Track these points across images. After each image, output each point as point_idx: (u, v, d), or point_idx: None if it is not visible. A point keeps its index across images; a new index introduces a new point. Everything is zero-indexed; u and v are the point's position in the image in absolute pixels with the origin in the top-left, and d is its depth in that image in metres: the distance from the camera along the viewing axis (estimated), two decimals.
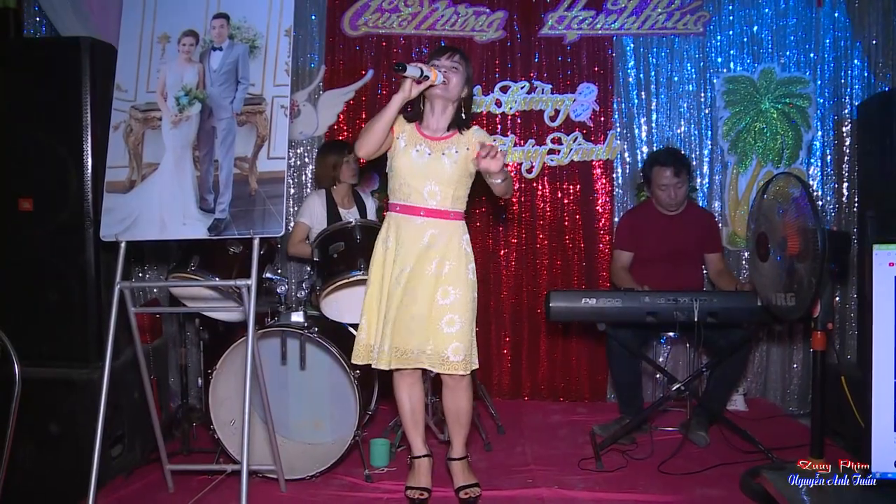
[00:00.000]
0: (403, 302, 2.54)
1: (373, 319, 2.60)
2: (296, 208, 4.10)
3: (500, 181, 2.51)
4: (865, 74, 4.00)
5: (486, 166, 2.41)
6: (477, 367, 2.61)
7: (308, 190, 4.16)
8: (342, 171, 3.65)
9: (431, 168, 2.56)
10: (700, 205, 4.02)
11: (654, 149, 4.00)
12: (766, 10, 4.06)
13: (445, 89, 2.53)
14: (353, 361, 2.65)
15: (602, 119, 4.15)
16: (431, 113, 2.63)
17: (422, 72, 2.42)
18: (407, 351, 2.55)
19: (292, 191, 4.17)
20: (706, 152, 4.14)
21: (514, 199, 4.14)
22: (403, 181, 2.59)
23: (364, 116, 4.18)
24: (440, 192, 2.57)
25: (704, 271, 3.77)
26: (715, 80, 4.10)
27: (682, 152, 3.77)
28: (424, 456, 2.74)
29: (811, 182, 4.06)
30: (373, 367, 2.61)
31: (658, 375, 3.71)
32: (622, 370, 3.41)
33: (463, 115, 2.64)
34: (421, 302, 2.54)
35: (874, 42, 3.97)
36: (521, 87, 4.17)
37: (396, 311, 2.54)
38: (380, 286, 2.60)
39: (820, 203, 4.06)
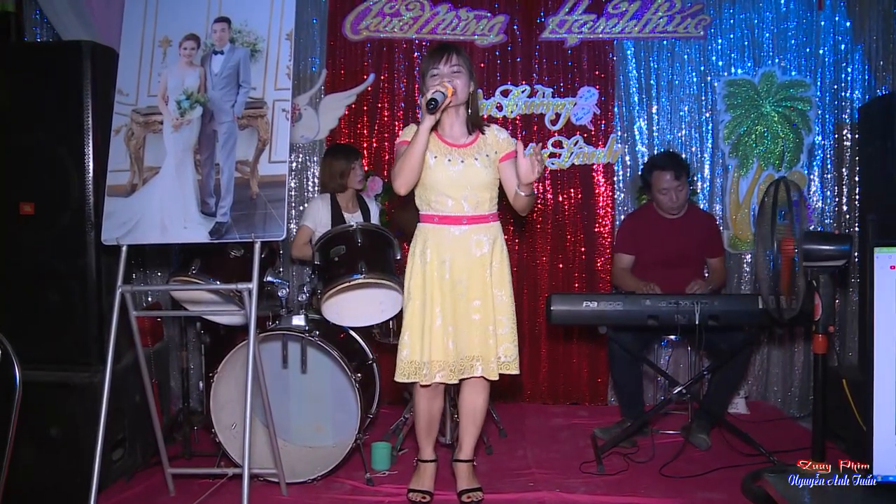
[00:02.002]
0: (466, 312, 2.56)
1: (416, 335, 2.55)
2: (297, 211, 4.10)
3: (525, 194, 2.53)
4: (866, 77, 4.01)
5: (525, 168, 2.43)
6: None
7: (309, 194, 4.16)
8: (350, 178, 3.65)
9: (466, 176, 2.56)
10: (701, 208, 4.02)
11: (655, 152, 4.00)
12: (767, 14, 4.07)
13: (455, 97, 2.52)
14: (397, 380, 2.57)
15: (603, 123, 4.16)
16: (446, 119, 2.62)
17: (444, 95, 2.43)
18: (466, 360, 2.57)
19: (293, 194, 4.17)
20: (707, 156, 4.14)
21: None
22: (440, 193, 2.57)
23: (365, 120, 4.19)
24: (478, 198, 2.58)
25: (706, 274, 3.77)
26: (716, 84, 4.11)
27: (681, 155, 3.76)
28: (431, 461, 2.75)
29: (812, 185, 4.06)
30: (421, 384, 2.56)
31: (659, 378, 3.70)
32: (623, 373, 3.40)
33: (470, 110, 2.63)
34: (478, 308, 2.58)
35: (874, 45, 3.98)
36: (522, 91, 4.17)
37: (457, 322, 2.55)
38: (422, 301, 2.55)
39: (821, 206, 4.07)
